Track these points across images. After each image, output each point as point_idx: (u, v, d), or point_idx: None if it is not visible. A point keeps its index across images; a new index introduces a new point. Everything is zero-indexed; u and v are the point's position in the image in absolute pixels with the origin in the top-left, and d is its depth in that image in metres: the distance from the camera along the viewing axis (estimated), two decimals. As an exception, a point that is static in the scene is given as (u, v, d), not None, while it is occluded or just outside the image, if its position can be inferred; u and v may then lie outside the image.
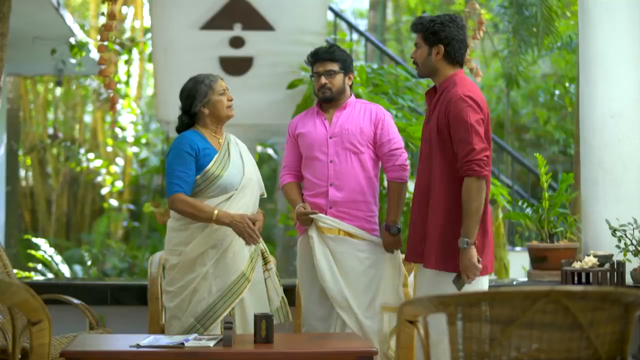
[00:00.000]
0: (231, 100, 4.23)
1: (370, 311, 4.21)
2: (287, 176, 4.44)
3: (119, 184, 12.66)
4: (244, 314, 4.10)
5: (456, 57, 3.80)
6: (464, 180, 3.66)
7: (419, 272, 3.91)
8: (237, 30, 7.63)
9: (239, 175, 4.19)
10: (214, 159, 4.14)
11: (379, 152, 4.31)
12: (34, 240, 9.85)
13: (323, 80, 4.29)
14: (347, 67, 4.33)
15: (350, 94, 4.40)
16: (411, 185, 4.51)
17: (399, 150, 4.30)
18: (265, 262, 4.29)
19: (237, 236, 4.08)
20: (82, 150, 12.57)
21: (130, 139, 13.02)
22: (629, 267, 4.58)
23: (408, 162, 4.36)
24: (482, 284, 3.77)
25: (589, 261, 4.53)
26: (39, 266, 9.83)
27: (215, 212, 4.02)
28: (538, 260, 5.02)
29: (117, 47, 8.93)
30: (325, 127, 4.31)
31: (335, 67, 4.29)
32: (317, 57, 4.34)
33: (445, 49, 3.77)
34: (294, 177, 4.44)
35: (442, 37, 3.76)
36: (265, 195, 4.42)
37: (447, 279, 3.71)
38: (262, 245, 4.27)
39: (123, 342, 3.57)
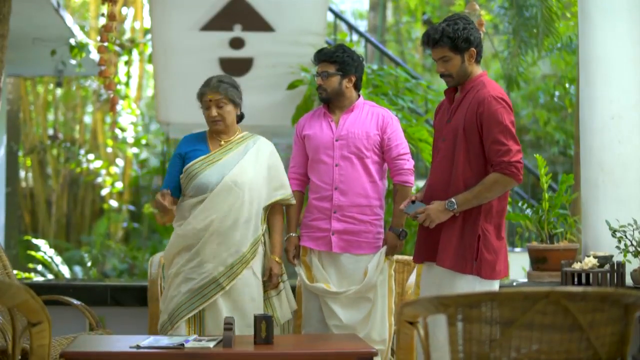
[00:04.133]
0: (214, 116, 4.15)
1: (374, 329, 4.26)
2: (293, 182, 4.39)
3: (119, 185, 12.66)
4: (216, 316, 4.03)
5: (481, 55, 3.78)
6: (496, 174, 3.59)
7: (427, 272, 3.84)
8: (237, 31, 7.61)
9: (217, 177, 4.10)
10: (198, 158, 4.14)
11: (386, 156, 4.29)
12: (34, 241, 9.85)
13: (319, 81, 4.31)
14: (345, 70, 4.28)
15: (358, 96, 4.37)
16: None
17: (406, 155, 4.30)
18: (268, 288, 4.22)
19: (211, 239, 4.06)
20: (82, 151, 12.57)
21: (130, 140, 13.02)
22: (629, 268, 4.58)
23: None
24: (493, 287, 3.72)
25: (589, 262, 4.53)
26: (39, 267, 9.83)
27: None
28: (538, 261, 5.02)
29: (117, 48, 8.90)
30: (332, 129, 4.29)
31: (331, 68, 4.28)
32: (317, 58, 4.36)
33: (477, 50, 3.74)
34: (299, 184, 4.40)
35: (472, 40, 3.71)
36: (290, 200, 4.25)
37: (461, 281, 3.63)
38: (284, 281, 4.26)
39: (123, 343, 3.57)
